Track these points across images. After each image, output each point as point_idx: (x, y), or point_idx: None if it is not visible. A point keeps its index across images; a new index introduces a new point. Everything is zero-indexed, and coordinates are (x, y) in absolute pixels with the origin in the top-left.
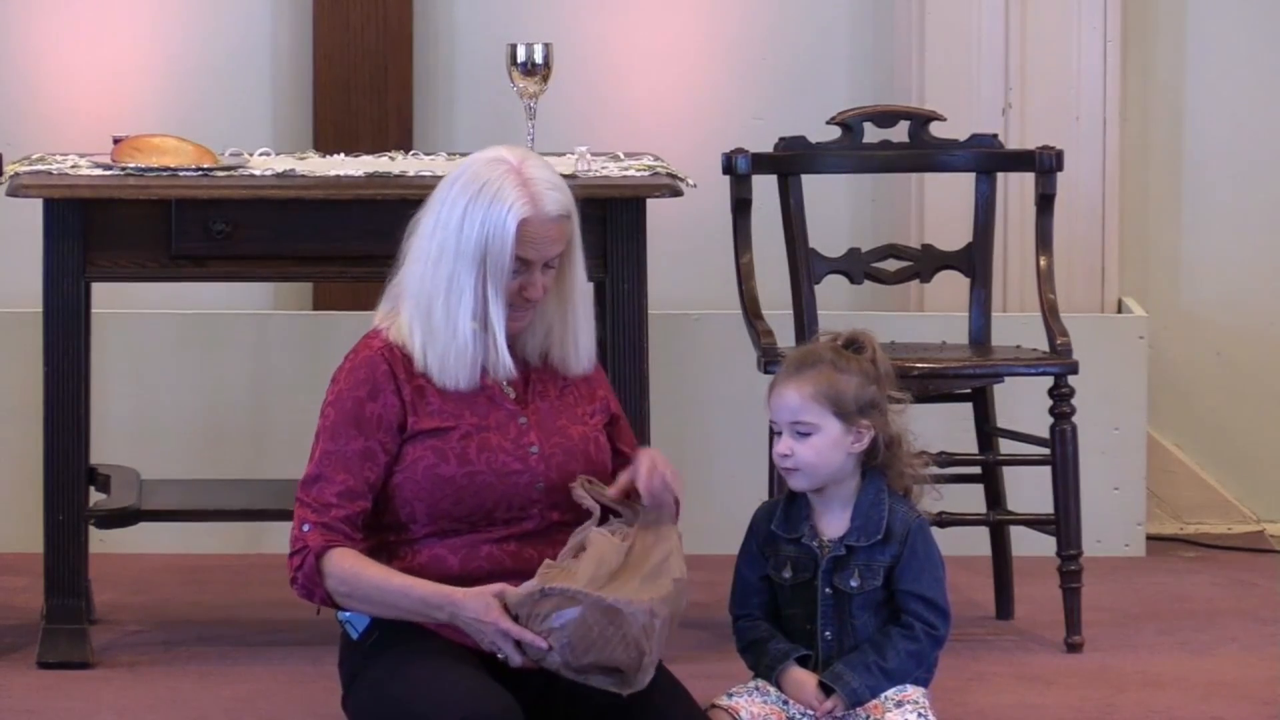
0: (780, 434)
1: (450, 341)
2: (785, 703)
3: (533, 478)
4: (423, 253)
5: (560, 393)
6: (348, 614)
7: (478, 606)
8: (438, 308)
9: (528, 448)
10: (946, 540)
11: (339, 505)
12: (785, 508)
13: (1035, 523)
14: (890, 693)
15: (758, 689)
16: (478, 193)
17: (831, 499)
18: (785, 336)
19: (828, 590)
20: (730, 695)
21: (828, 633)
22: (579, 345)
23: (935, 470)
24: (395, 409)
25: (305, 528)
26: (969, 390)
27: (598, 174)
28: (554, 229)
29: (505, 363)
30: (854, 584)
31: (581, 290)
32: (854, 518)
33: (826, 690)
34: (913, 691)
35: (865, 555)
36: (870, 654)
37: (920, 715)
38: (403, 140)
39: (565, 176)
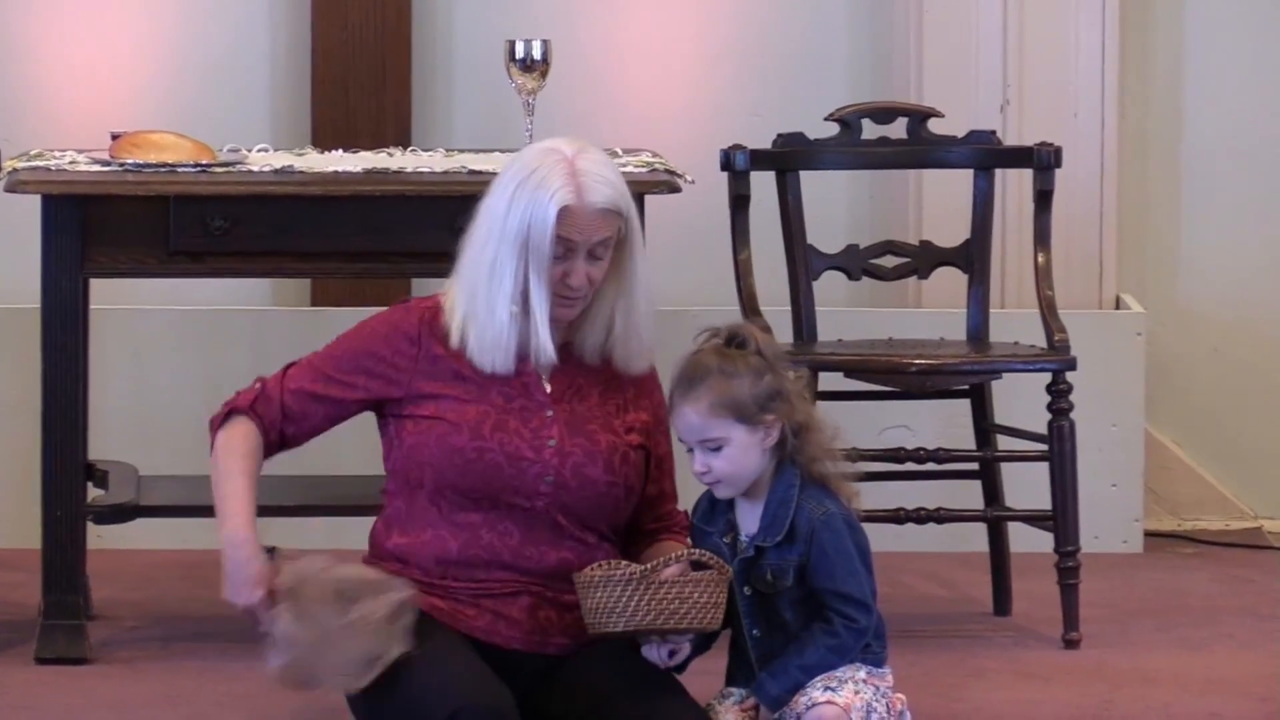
0: (692, 451)
1: (488, 323)
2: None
3: (543, 469)
4: (474, 238)
5: (602, 399)
6: None
7: (243, 556)
8: (480, 290)
9: (545, 440)
10: (944, 536)
11: (280, 404)
12: (710, 501)
13: (1033, 519)
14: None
15: (724, 694)
16: (526, 179)
17: (748, 493)
18: (784, 333)
19: (746, 590)
20: (720, 703)
21: (755, 630)
22: (643, 343)
23: (850, 467)
24: (407, 358)
25: (256, 385)
26: (967, 387)
27: None
28: (598, 218)
29: (546, 348)
30: (769, 580)
31: (644, 289)
32: (763, 517)
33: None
34: (845, 668)
35: (774, 555)
36: (792, 655)
37: (825, 688)
38: (401, 137)
39: None
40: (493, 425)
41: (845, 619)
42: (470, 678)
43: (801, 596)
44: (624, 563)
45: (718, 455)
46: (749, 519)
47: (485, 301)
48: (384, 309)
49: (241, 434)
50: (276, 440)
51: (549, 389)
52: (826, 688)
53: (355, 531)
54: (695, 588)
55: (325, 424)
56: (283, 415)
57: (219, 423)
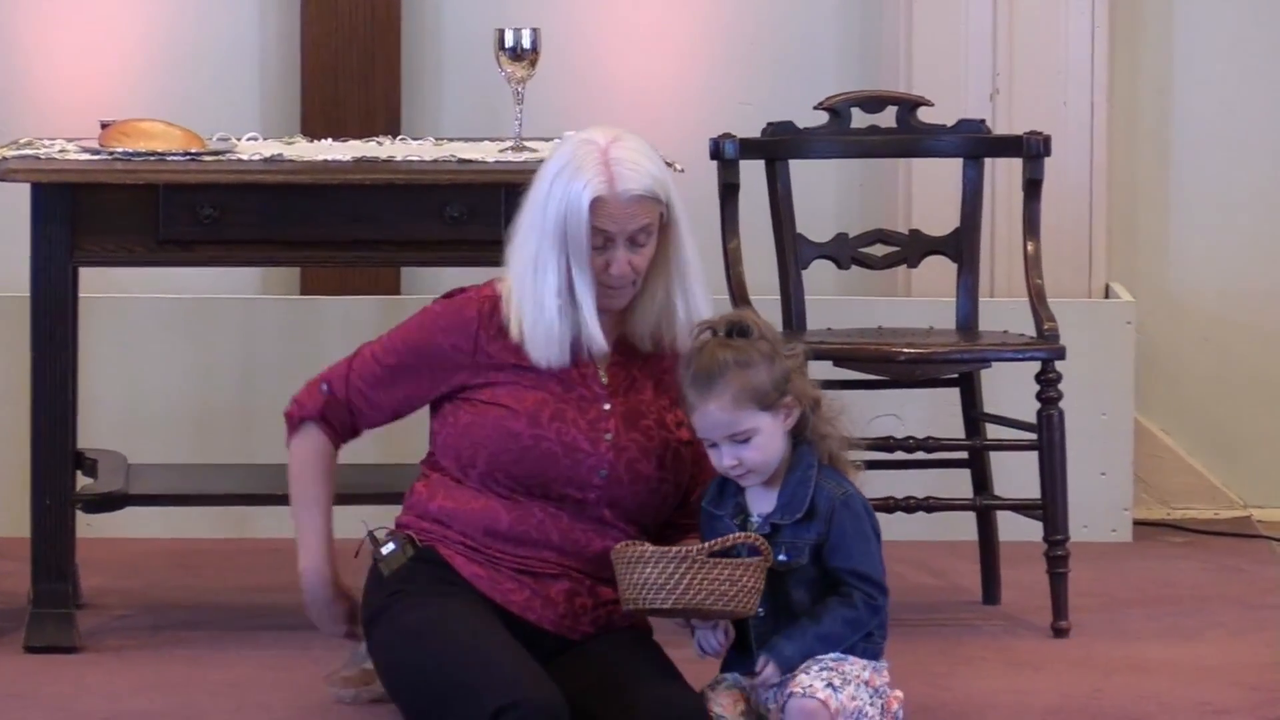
0: (715, 446)
1: (539, 318)
2: (739, 685)
3: (598, 462)
4: (518, 229)
5: (656, 393)
6: (387, 549)
7: (325, 597)
8: (528, 284)
9: (603, 433)
10: (933, 525)
11: (357, 393)
12: (720, 484)
13: (1022, 508)
14: (830, 655)
15: (718, 680)
16: (561, 171)
17: None
18: (773, 321)
19: None
20: (713, 690)
21: (760, 609)
22: (682, 324)
23: (857, 453)
24: (464, 353)
25: (323, 388)
26: (956, 375)
27: None
28: (633, 206)
29: (596, 338)
30: (781, 559)
31: (696, 272)
32: (781, 495)
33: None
34: (854, 663)
35: (791, 532)
36: (808, 623)
37: (828, 683)
38: (390, 125)
39: None
40: (551, 414)
41: (866, 595)
42: (522, 672)
43: (815, 576)
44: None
45: (747, 446)
46: (761, 500)
47: (533, 296)
48: (441, 298)
49: (317, 449)
50: (348, 437)
51: (605, 381)
52: (829, 684)
53: (344, 520)
54: (745, 571)
55: (394, 416)
56: (351, 416)
57: (294, 425)
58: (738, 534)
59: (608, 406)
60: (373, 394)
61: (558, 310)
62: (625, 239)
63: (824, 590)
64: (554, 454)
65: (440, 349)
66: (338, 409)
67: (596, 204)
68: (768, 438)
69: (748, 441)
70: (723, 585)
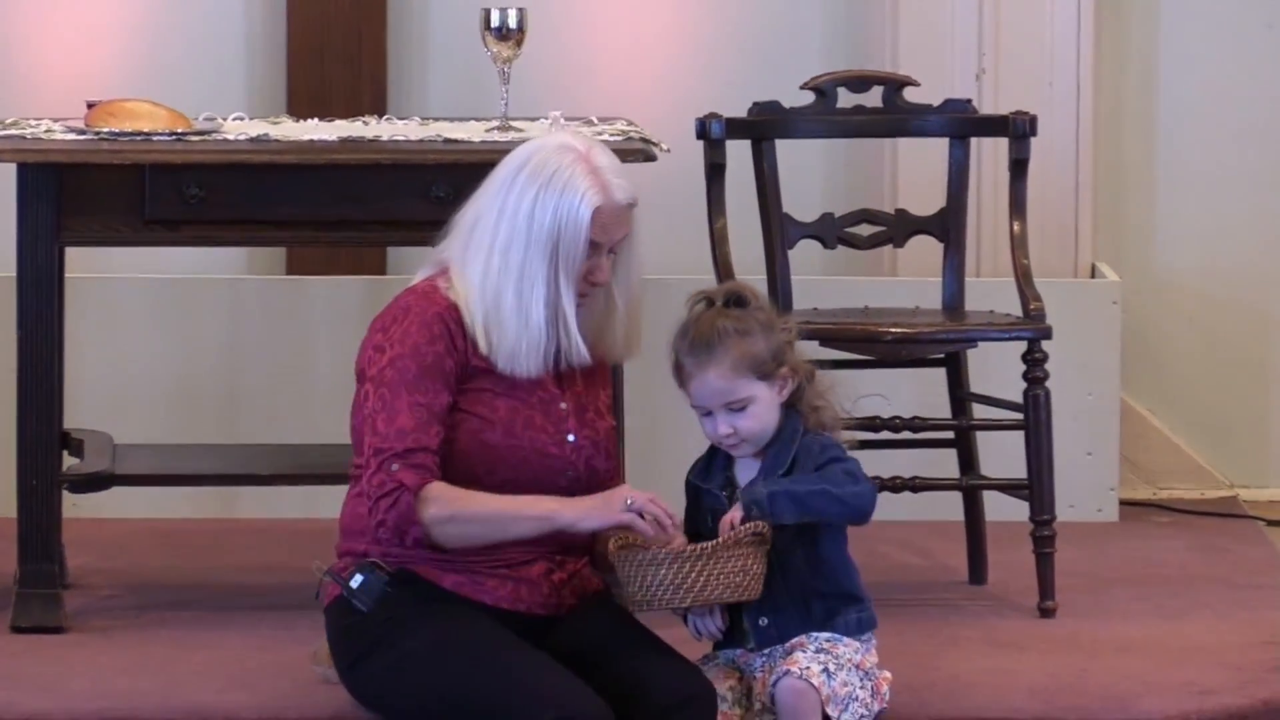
0: (710, 415)
1: (523, 331)
2: (732, 662)
3: (564, 465)
4: (487, 240)
5: (587, 383)
6: (358, 582)
7: (603, 502)
8: (508, 297)
9: (565, 435)
10: (919, 505)
11: (434, 452)
12: (708, 459)
13: (1008, 488)
14: (823, 635)
15: (708, 658)
16: (548, 181)
17: None
18: None
19: None
20: (705, 667)
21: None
22: (619, 327)
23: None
24: (460, 367)
25: (394, 467)
26: (942, 355)
27: None
28: (624, 214)
29: (579, 348)
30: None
31: (634, 274)
32: (765, 460)
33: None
34: (847, 645)
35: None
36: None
37: (823, 668)
38: (376, 105)
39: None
40: (524, 422)
41: (844, 467)
42: (568, 686)
43: (811, 538)
44: (633, 539)
45: (743, 415)
46: (750, 471)
47: (516, 310)
48: (414, 322)
49: (450, 487)
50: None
51: (551, 378)
52: (824, 668)
53: (329, 500)
54: (754, 560)
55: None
56: (441, 468)
57: (411, 511)
58: (747, 524)
59: (564, 405)
60: (441, 443)
61: (545, 321)
62: (608, 247)
63: (821, 549)
64: (527, 460)
65: (451, 365)
66: (426, 471)
67: (595, 214)
68: (764, 407)
69: (744, 410)
70: (736, 576)
